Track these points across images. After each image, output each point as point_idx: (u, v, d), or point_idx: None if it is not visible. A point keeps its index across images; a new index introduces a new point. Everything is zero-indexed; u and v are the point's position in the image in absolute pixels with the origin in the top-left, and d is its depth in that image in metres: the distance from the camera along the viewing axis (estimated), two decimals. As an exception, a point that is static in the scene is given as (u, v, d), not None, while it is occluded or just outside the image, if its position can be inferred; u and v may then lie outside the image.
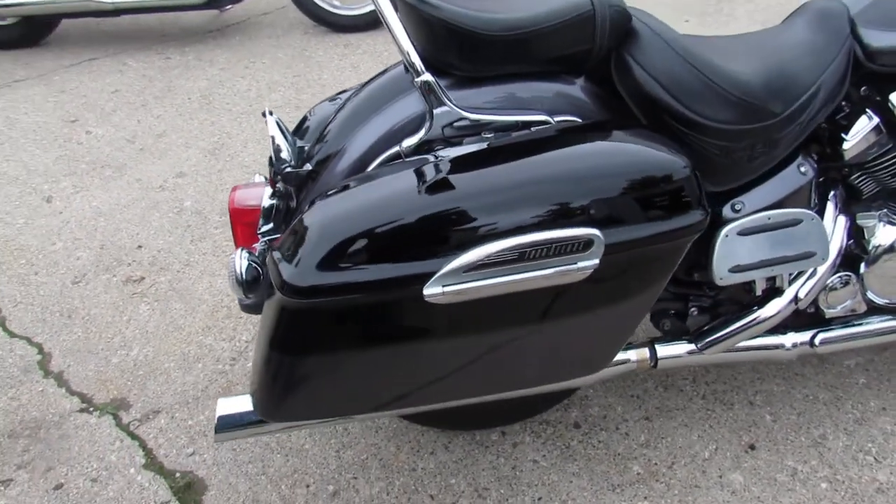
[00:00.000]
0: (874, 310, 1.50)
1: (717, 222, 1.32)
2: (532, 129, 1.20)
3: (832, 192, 1.43)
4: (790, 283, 1.37)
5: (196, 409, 1.76)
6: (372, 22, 3.91)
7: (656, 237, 1.11)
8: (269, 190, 1.36)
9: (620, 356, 1.38)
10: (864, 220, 1.43)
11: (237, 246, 1.33)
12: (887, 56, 1.33)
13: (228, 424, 1.28)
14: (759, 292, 1.36)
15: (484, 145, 1.15)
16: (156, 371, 1.88)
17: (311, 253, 1.06)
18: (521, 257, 1.05)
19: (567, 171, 1.09)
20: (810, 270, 1.36)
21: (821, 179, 1.44)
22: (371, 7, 3.92)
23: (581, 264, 1.06)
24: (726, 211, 1.33)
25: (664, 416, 1.70)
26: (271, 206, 1.35)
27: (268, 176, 1.39)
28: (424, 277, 1.04)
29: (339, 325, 1.09)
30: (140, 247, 2.34)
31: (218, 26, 4.08)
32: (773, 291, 1.38)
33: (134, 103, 3.26)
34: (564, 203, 1.07)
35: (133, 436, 1.71)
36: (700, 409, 1.71)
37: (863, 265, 1.44)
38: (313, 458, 1.63)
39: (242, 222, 1.38)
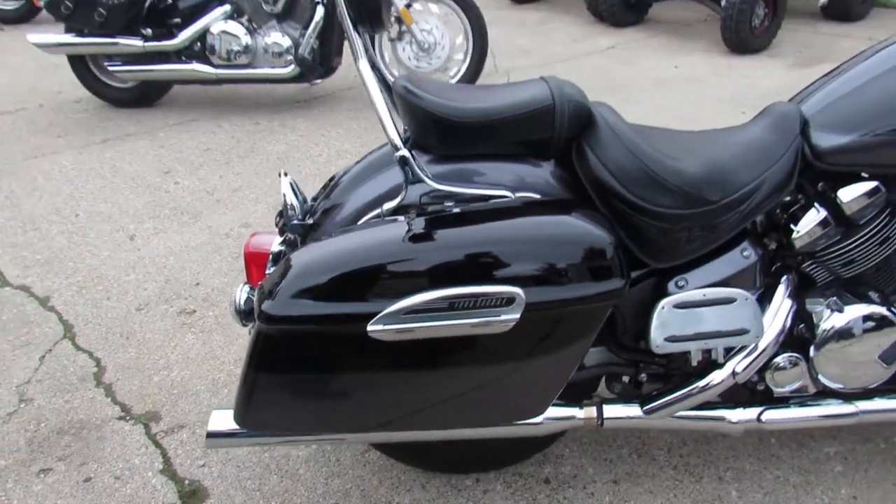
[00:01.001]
0: (826, 393, 1.57)
1: (661, 295, 1.46)
2: (490, 201, 1.40)
3: (786, 277, 1.53)
4: (727, 357, 1.47)
5: (214, 427, 1.99)
6: (442, 100, 4.24)
7: (575, 300, 1.27)
8: (278, 238, 1.61)
9: (568, 412, 1.52)
10: (812, 306, 1.53)
11: (247, 283, 1.58)
12: (831, 156, 1.45)
13: (219, 433, 1.49)
14: (694, 363, 1.47)
15: (444, 212, 1.36)
16: (188, 391, 2.13)
17: (285, 287, 1.29)
18: (452, 306, 1.24)
19: (501, 237, 1.28)
20: (749, 347, 1.47)
21: (778, 264, 1.56)
22: (442, 87, 4.26)
23: (503, 317, 1.24)
24: (671, 286, 1.47)
25: (632, 481, 1.79)
26: (279, 252, 1.59)
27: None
28: (371, 316, 1.24)
29: (302, 351, 1.30)
30: (198, 284, 2.65)
31: (306, 97, 4.53)
32: (713, 364, 1.48)
33: (220, 160, 3.68)
34: (494, 263, 1.25)
35: (157, 444, 1.95)
36: (669, 479, 1.79)
37: (812, 348, 1.52)
38: (304, 482, 1.82)
39: (255, 264, 1.63)
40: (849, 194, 1.47)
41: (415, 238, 1.29)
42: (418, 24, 4.09)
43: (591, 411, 1.53)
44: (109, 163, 3.70)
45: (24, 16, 6.49)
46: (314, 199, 1.64)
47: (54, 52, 4.21)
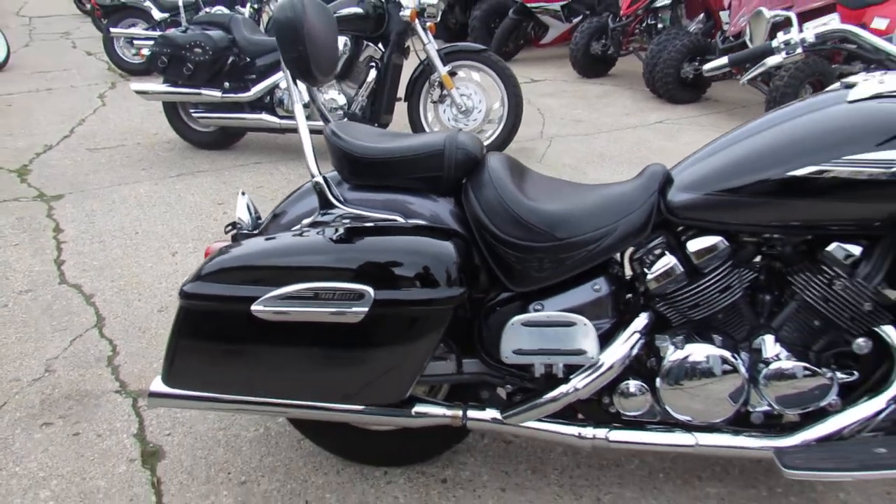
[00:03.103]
0: (672, 422, 1.74)
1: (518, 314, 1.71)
2: (380, 223, 1.72)
3: (643, 314, 1.74)
4: (572, 375, 1.69)
5: (188, 407, 2.36)
6: (479, 160, 4.61)
7: (416, 301, 1.56)
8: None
9: (437, 410, 1.77)
10: (659, 342, 1.72)
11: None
12: (680, 211, 1.67)
13: (157, 394, 1.84)
14: (537, 374, 1.70)
15: (336, 227, 1.69)
16: (176, 378, 2.52)
17: (202, 271, 1.65)
18: (316, 296, 1.56)
19: (367, 247, 1.60)
20: (591, 368, 1.68)
21: (641, 303, 1.78)
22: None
23: (354, 309, 1.54)
24: (530, 308, 1.72)
25: (517, 491, 1.99)
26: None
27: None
28: (255, 298, 1.58)
29: (209, 323, 1.65)
30: (213, 295, 3.08)
31: (359, 150, 5.01)
32: (557, 380, 1.70)
33: (267, 197, 4.18)
34: (352, 266, 1.57)
35: (138, 414, 2.34)
36: (551, 494, 1.98)
37: (658, 380, 1.71)
38: (243, 456, 2.14)
39: (213, 264, 2.01)
40: (695, 245, 1.68)
41: (302, 243, 1.63)
42: (458, 89, 4.50)
43: (458, 412, 1.77)
44: (177, 193, 4.28)
45: (147, 70, 7.44)
46: None
47: (150, 99, 4.93)
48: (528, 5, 7.55)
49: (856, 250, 1.61)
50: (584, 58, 7.02)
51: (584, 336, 1.66)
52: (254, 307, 1.58)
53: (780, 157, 1.57)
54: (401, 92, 4.70)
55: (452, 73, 4.53)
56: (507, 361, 1.69)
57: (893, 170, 1.49)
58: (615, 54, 7.01)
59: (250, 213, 1.98)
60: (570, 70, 7.33)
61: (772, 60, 1.96)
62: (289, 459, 2.13)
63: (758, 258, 1.73)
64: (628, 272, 1.84)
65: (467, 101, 4.52)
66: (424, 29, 4.43)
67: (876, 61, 1.82)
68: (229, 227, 1.96)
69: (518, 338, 1.68)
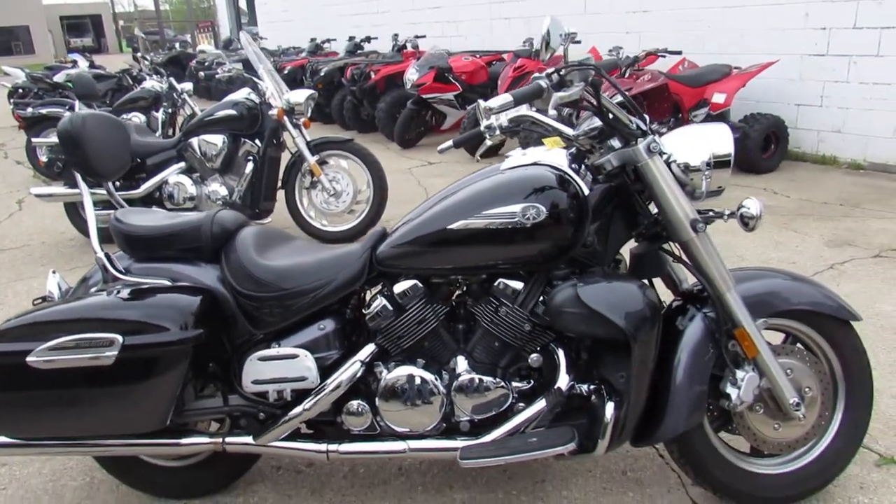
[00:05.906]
0: (390, 434, 2.13)
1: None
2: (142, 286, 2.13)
3: (367, 346, 2.14)
4: (299, 399, 2.08)
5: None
6: (353, 235, 5.08)
7: (159, 344, 1.96)
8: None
9: (200, 439, 2.14)
10: (378, 368, 2.13)
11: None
12: (383, 262, 2.10)
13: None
14: (271, 400, 2.09)
15: (108, 290, 2.10)
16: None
17: (0, 330, 2.04)
18: (77, 346, 1.94)
19: (119, 305, 2.01)
20: (316, 392, 2.07)
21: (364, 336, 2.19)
22: (350, 224, 5.13)
23: (107, 353, 1.94)
24: (271, 346, 2.12)
25: (294, 509, 2.35)
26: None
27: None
28: (31, 351, 1.96)
29: (6, 375, 2.02)
30: None
31: (247, 235, 5.46)
32: (291, 404, 2.09)
33: (150, 283, 4.57)
34: (107, 319, 1.97)
35: (-20, 475, 2.65)
36: (323, 510, 2.34)
37: (376, 399, 2.11)
38: (65, 502, 2.46)
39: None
40: (398, 288, 2.11)
41: (75, 304, 2.04)
42: (328, 176, 5.02)
43: (218, 439, 2.15)
44: (66, 284, 4.63)
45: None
46: None
47: (50, 201, 5.34)
48: (424, 96, 8.24)
49: (517, 284, 2.06)
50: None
51: (305, 365, 2.07)
52: (28, 358, 1.96)
53: (444, 214, 2.04)
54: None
55: (323, 162, 5.05)
56: (248, 391, 2.09)
57: (516, 220, 1.95)
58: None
59: (59, 289, 2.39)
60: (464, 153, 7.95)
61: (488, 142, 2.47)
62: (104, 502, 2.46)
63: (455, 294, 2.17)
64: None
65: (336, 186, 5.03)
66: (294, 125, 4.97)
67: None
68: (38, 300, 2.35)
69: (255, 371, 2.09)
